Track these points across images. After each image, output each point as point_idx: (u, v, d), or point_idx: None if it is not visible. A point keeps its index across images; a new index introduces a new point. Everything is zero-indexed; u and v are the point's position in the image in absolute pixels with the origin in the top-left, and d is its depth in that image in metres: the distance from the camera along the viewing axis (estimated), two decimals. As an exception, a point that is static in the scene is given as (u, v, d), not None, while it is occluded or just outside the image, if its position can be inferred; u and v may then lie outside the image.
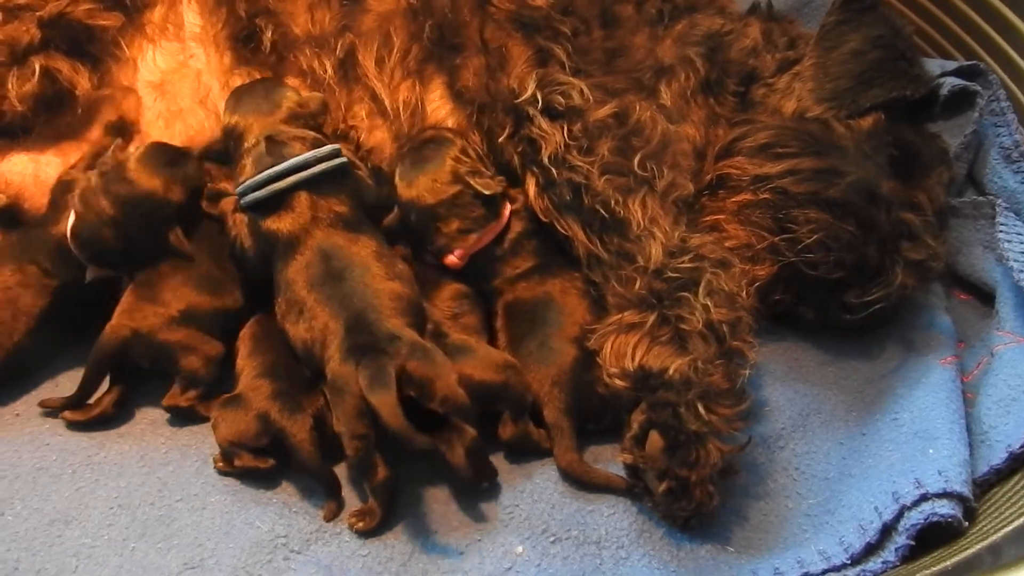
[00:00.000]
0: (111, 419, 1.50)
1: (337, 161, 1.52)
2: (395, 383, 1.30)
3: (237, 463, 1.40)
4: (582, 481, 1.42)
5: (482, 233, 1.58)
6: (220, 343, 1.51)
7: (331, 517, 1.37)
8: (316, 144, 1.53)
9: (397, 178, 1.60)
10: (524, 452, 1.46)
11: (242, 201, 1.50)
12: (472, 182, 1.56)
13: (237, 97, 1.58)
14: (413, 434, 1.27)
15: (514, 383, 1.43)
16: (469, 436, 1.33)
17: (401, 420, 1.27)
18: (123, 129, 1.66)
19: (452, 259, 1.58)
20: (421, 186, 1.57)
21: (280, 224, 1.48)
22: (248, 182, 1.49)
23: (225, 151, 1.56)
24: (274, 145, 1.50)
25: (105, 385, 1.52)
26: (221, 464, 1.42)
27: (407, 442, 1.27)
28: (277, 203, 1.49)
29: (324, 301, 1.42)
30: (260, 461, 1.39)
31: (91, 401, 1.50)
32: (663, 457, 1.32)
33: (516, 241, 1.60)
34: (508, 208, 1.61)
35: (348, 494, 1.40)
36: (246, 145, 1.52)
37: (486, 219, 1.58)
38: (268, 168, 1.48)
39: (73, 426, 1.49)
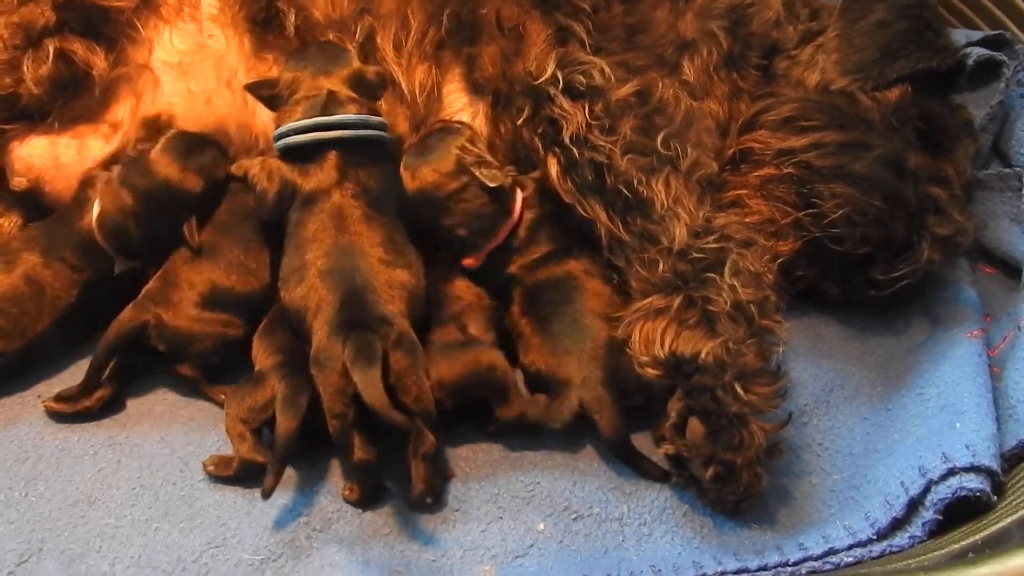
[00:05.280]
0: (92, 415, 1.48)
1: (380, 132, 1.51)
2: (380, 359, 1.30)
3: (238, 446, 1.37)
4: (624, 458, 1.40)
5: (496, 233, 1.56)
6: (240, 325, 1.50)
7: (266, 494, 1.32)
8: (371, 113, 1.52)
9: (402, 168, 1.57)
10: (526, 430, 1.44)
11: (278, 143, 1.49)
12: (477, 173, 1.53)
13: (303, 54, 1.56)
14: (391, 411, 1.27)
15: (483, 364, 1.41)
16: (429, 443, 1.32)
17: (380, 395, 1.27)
18: (157, 124, 1.66)
19: (469, 262, 1.56)
20: (425, 176, 1.55)
21: (307, 178, 1.47)
22: (290, 125, 1.48)
23: (274, 96, 1.54)
24: (332, 100, 1.49)
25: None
26: (212, 468, 1.39)
27: (384, 419, 1.28)
28: (310, 155, 1.48)
29: (326, 272, 1.41)
30: (258, 453, 1.36)
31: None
32: (706, 443, 1.30)
33: (531, 230, 1.58)
34: (520, 200, 1.58)
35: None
36: (303, 92, 1.50)
37: (495, 216, 1.55)
38: (315, 118, 1.48)
39: (56, 417, 1.47)
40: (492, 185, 1.53)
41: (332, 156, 1.48)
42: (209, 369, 1.51)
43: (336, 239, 1.44)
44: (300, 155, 1.49)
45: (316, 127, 1.47)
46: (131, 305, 1.49)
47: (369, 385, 1.28)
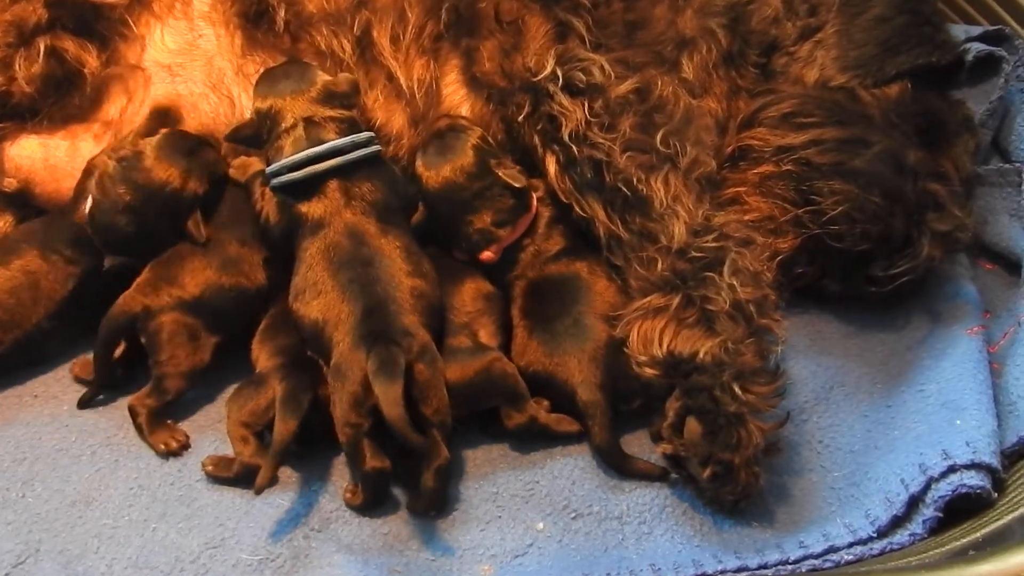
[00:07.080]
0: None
1: (372, 148, 1.50)
2: (403, 375, 1.30)
3: (239, 449, 1.37)
4: (615, 465, 1.40)
5: (515, 226, 1.56)
6: (208, 355, 1.48)
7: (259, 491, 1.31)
8: (352, 126, 1.51)
9: (422, 168, 1.56)
10: (534, 438, 1.44)
11: (274, 181, 1.48)
12: (500, 174, 1.53)
13: (269, 80, 1.54)
14: (408, 429, 1.27)
15: (496, 371, 1.41)
16: (443, 457, 1.32)
17: (400, 412, 1.27)
18: (166, 117, 1.64)
19: (488, 255, 1.55)
20: (449, 176, 1.54)
21: (311, 208, 1.47)
22: (283, 162, 1.47)
23: (255, 135, 1.53)
24: (312, 127, 1.48)
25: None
26: (211, 468, 1.38)
27: (400, 436, 1.27)
28: (310, 187, 1.47)
29: (346, 284, 1.40)
30: (260, 457, 1.35)
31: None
32: (704, 443, 1.30)
33: (547, 227, 1.58)
34: (535, 197, 1.58)
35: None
36: (283, 126, 1.49)
37: (517, 210, 1.55)
38: (304, 151, 1.46)
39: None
40: (517, 186, 1.53)
41: (331, 183, 1.47)
42: (161, 397, 1.46)
43: (355, 252, 1.43)
44: (299, 188, 1.47)
45: (308, 161, 1.46)
46: (122, 297, 1.47)
47: (390, 400, 1.28)
